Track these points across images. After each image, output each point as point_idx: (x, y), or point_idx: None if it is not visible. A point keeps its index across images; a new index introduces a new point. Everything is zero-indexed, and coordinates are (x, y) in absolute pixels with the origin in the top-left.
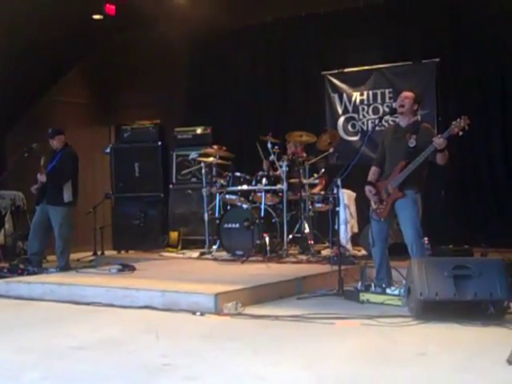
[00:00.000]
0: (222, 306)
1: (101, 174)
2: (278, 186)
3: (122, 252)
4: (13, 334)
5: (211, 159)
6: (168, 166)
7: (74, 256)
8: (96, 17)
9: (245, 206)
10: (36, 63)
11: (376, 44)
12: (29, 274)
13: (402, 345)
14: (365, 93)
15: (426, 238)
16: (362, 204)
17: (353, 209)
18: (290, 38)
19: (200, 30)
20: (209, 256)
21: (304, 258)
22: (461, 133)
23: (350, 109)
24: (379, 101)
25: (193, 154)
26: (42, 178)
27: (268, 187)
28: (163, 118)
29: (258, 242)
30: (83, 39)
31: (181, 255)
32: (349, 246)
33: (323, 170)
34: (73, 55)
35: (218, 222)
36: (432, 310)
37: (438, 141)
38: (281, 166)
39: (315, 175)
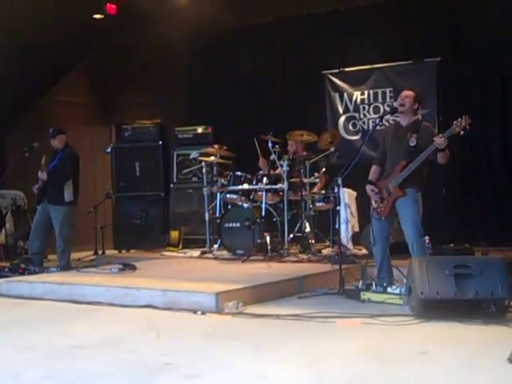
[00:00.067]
0: (223, 305)
1: (101, 174)
2: (279, 185)
3: (123, 251)
4: (13, 332)
5: (212, 158)
6: (169, 165)
7: (74, 255)
8: (97, 16)
9: (245, 205)
10: (36, 62)
11: (376, 43)
12: (30, 273)
13: (403, 343)
14: (365, 92)
15: (426, 237)
16: (362, 203)
17: (353, 208)
18: (290, 37)
19: (201, 29)
20: (210, 255)
21: (305, 257)
22: (462, 132)
23: (351, 108)
24: (380, 100)
25: (193, 154)
26: (42, 176)
27: (269, 186)
28: (164, 117)
29: (258, 241)
30: (84, 39)
31: (182, 254)
32: (350, 245)
33: (324, 169)
34: (73, 54)
35: (218, 221)
36: (433, 309)
37: (439, 140)
38: (282, 166)
39: (316, 174)
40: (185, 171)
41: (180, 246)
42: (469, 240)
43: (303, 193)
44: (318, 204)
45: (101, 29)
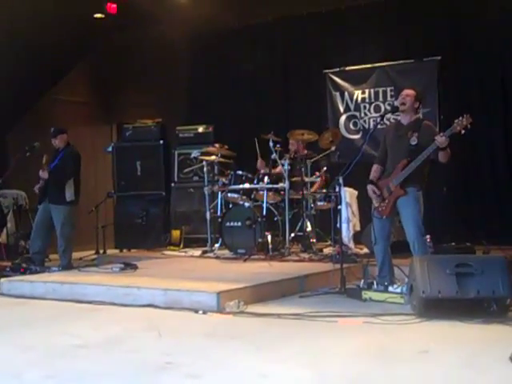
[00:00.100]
0: (225, 304)
1: (103, 173)
2: (280, 185)
3: (124, 251)
4: (15, 332)
5: (213, 158)
6: (170, 164)
7: (76, 255)
8: (97, 15)
9: (247, 204)
10: (36, 62)
11: (377, 42)
12: (31, 272)
13: (405, 342)
14: (366, 91)
15: (427, 236)
16: (363, 202)
17: (355, 207)
18: (291, 36)
19: (201, 28)
20: (211, 254)
21: (306, 256)
22: (463, 131)
23: (352, 107)
24: (381, 99)
25: (195, 153)
26: (43, 174)
27: (270, 185)
28: (165, 116)
29: (260, 240)
30: (85, 38)
31: (183, 254)
32: (351, 244)
33: (325, 168)
34: (74, 54)
35: (219, 220)
36: (434, 308)
37: (440, 139)
38: (283, 165)
39: (317, 173)
40: (186, 170)
41: (181, 246)
42: (470, 239)
43: (304, 192)
44: (319, 203)
45: (101, 28)
